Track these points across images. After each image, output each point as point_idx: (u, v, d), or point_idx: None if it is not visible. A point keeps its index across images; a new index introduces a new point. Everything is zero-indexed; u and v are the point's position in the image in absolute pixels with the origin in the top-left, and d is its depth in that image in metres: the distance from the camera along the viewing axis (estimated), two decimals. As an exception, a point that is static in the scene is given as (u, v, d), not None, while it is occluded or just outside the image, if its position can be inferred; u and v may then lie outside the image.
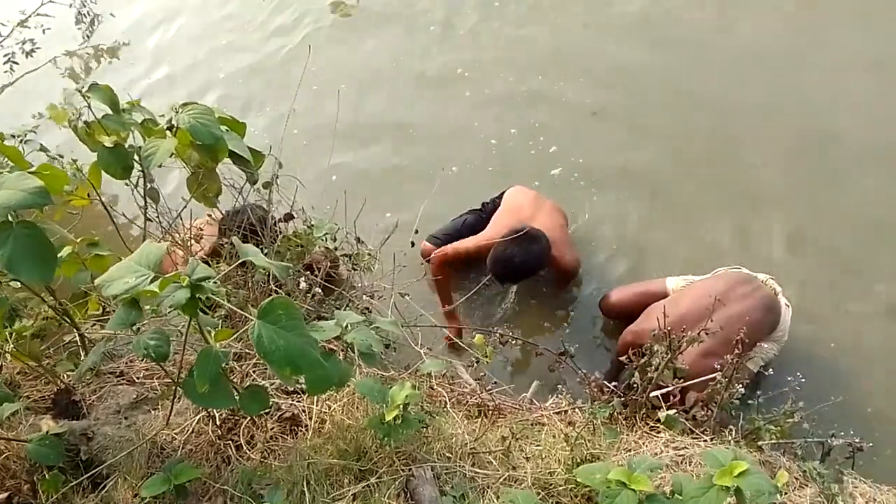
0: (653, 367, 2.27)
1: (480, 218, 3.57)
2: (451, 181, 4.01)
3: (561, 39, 4.79)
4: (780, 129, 4.11)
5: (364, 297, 2.87)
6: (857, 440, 2.32)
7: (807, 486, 2.09)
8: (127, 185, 2.50)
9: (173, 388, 2.10)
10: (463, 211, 3.69)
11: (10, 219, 1.76)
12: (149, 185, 2.54)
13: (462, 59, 4.77)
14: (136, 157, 2.36)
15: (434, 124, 4.40)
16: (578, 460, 2.03)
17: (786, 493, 2.04)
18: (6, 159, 2.39)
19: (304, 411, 2.18)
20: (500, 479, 2.00)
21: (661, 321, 2.33)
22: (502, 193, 3.63)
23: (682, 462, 2.11)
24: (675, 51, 4.59)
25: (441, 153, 4.19)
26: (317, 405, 2.18)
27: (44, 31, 4.88)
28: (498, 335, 2.64)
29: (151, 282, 1.64)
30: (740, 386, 2.27)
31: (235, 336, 2.00)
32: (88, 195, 2.53)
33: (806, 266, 3.54)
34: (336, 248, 3.05)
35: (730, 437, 2.23)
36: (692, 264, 3.45)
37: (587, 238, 3.79)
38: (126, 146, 2.38)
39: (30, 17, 4.83)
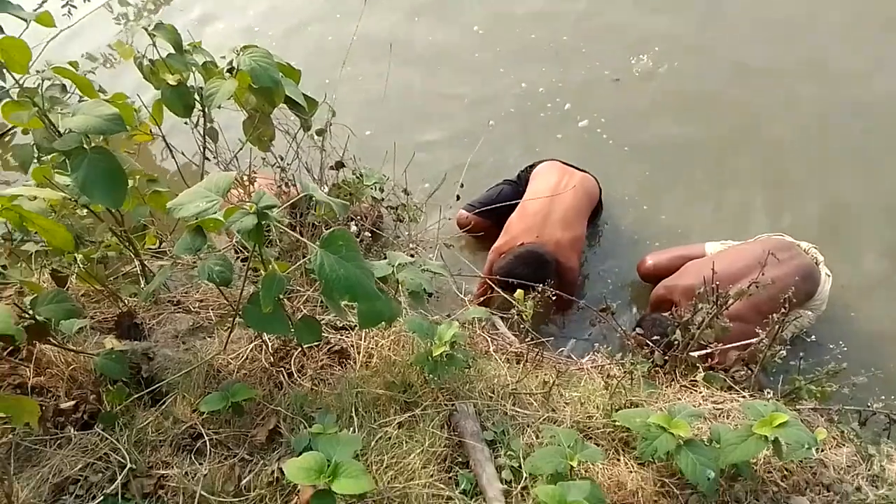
0: (696, 325, 2.30)
1: (517, 190, 3.59)
2: (489, 136, 4.07)
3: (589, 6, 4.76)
4: (817, 105, 4.06)
5: (410, 245, 2.94)
6: (894, 410, 2.32)
7: (844, 446, 2.12)
8: (186, 123, 2.59)
9: (231, 315, 2.19)
10: (500, 166, 3.75)
11: (84, 145, 1.86)
12: (208, 125, 2.62)
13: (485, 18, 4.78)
14: (196, 97, 2.44)
15: (466, 85, 4.44)
16: (617, 407, 2.08)
17: (822, 450, 2.07)
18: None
19: (352, 346, 2.26)
20: (540, 419, 2.06)
21: (706, 279, 2.34)
22: (535, 164, 3.65)
23: (720, 415, 2.15)
24: (707, 21, 4.55)
25: (477, 111, 4.26)
26: (364, 341, 2.26)
27: (101, -24, 4.99)
28: (539, 290, 2.68)
29: (220, 208, 1.72)
30: (781, 348, 2.28)
31: (288, 271, 2.09)
32: (150, 132, 2.62)
33: (849, 242, 3.50)
34: (383, 199, 3.11)
35: (769, 396, 2.25)
36: (728, 231, 3.45)
37: (619, 198, 3.81)
38: (187, 86, 2.46)
39: (89, -37, 4.93)
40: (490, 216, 3.50)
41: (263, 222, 1.71)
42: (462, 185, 3.23)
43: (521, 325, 2.67)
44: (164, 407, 2.00)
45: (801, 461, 1.99)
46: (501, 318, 2.88)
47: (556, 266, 3.16)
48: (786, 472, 1.98)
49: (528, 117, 4.20)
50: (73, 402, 1.94)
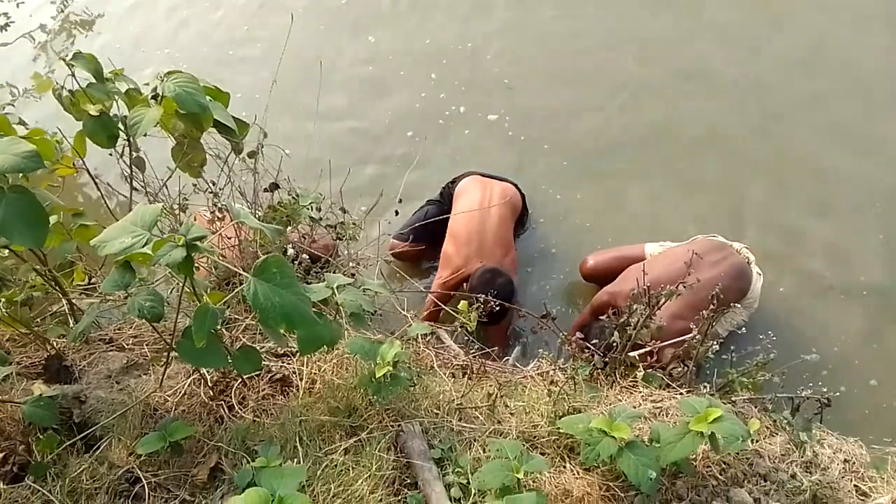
0: (632, 326, 2.36)
1: (442, 209, 3.62)
2: (406, 142, 4.21)
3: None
4: (735, 106, 4.23)
5: (350, 264, 2.92)
6: (824, 394, 2.43)
7: (777, 434, 2.21)
8: (111, 154, 2.52)
9: (166, 350, 2.14)
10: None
11: (1, 184, 1.79)
12: (134, 154, 2.55)
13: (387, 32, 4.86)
14: (120, 126, 2.38)
15: (373, 107, 4.48)
16: (561, 414, 2.12)
17: (757, 441, 2.15)
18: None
19: (294, 373, 2.23)
20: (486, 433, 2.07)
21: (639, 281, 2.41)
22: (456, 179, 3.69)
23: (659, 413, 2.21)
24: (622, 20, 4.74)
25: (396, 123, 4.34)
26: (307, 366, 2.23)
27: (18, 4, 4.80)
28: (482, 300, 2.70)
29: (147, 243, 1.68)
30: (714, 343, 2.37)
31: (224, 301, 2.05)
32: (74, 164, 2.54)
33: (773, 237, 3.66)
34: (321, 219, 3.09)
35: (704, 391, 2.33)
36: (668, 233, 3.56)
37: (541, 197, 3.90)
38: (110, 115, 2.39)
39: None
40: (423, 239, 3.51)
41: (193, 254, 1.68)
42: (400, 201, 3.24)
43: (466, 337, 2.70)
44: (98, 452, 1.93)
45: (738, 453, 2.07)
46: (446, 330, 2.90)
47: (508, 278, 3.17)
48: (724, 465, 2.05)
49: (435, 120, 4.30)
50: (0, 455, 1.86)
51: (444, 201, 3.64)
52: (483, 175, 3.66)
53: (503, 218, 3.43)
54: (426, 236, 3.50)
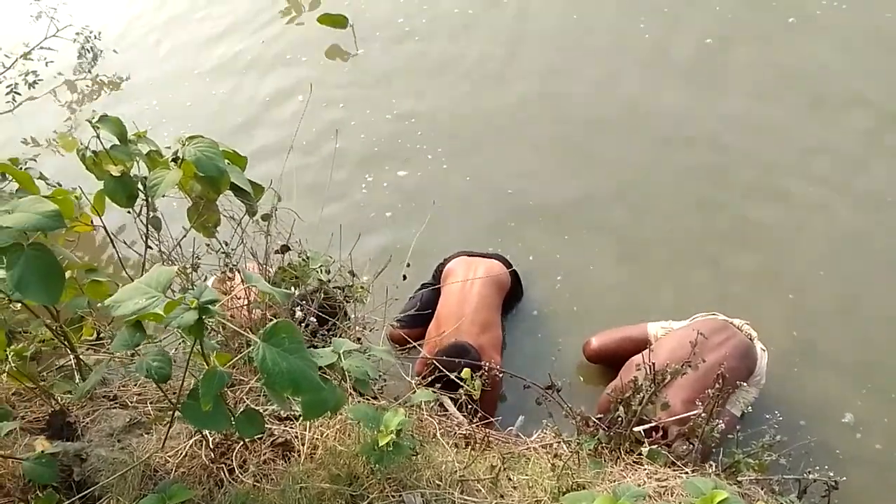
0: (637, 401, 2.35)
1: (435, 291, 3.67)
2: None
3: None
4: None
5: (357, 328, 2.94)
6: (832, 477, 2.39)
7: (783, 518, 2.17)
8: (129, 213, 2.58)
9: (170, 410, 2.14)
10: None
11: (21, 241, 1.84)
12: (151, 214, 2.62)
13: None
14: (140, 187, 2.45)
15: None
16: (564, 489, 2.09)
17: (763, 525, 2.11)
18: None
19: (296, 437, 2.22)
20: (489, 507, 2.05)
21: (645, 361, 2.41)
22: (446, 260, 3.75)
23: (664, 493, 2.17)
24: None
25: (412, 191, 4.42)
26: (309, 431, 2.23)
27: (46, 63, 5.00)
28: (486, 367, 2.70)
29: (161, 305, 1.71)
30: (720, 421, 2.35)
31: (231, 363, 2.06)
32: (91, 222, 2.60)
33: (778, 310, 3.65)
34: (330, 281, 3.12)
35: (710, 471, 2.30)
36: (668, 309, 3.56)
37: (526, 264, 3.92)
38: (131, 176, 2.47)
39: (33, 49, 4.95)
40: (420, 322, 3.54)
41: (205, 317, 1.71)
42: (409, 265, 3.27)
43: (470, 406, 2.68)
44: (96, 512, 1.92)
45: (744, 537, 2.02)
46: (450, 398, 2.88)
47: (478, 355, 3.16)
48: (730, 550, 1.99)
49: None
50: (-2, 512, 1.85)
51: (437, 282, 3.70)
52: (470, 254, 3.72)
53: (484, 297, 3.47)
54: (423, 319, 3.54)
